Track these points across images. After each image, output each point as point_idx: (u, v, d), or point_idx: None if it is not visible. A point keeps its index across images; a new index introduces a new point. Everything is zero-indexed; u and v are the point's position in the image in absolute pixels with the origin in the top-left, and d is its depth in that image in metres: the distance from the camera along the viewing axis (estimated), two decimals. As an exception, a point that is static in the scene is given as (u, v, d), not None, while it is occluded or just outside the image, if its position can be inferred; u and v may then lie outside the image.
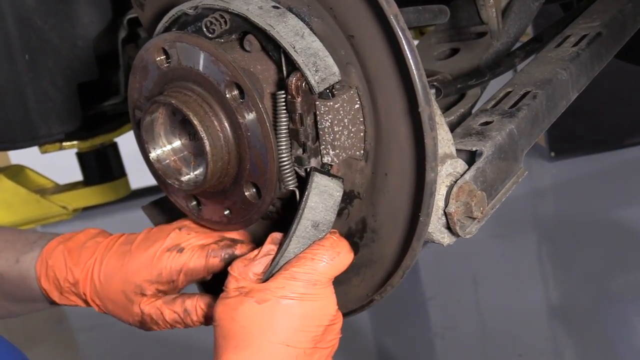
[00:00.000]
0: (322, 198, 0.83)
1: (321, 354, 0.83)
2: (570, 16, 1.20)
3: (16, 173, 1.68)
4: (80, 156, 1.68)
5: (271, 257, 0.85)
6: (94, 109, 1.49)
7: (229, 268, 0.86)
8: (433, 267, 4.15)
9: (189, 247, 0.93)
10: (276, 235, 0.86)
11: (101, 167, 1.67)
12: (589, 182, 4.72)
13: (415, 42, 1.50)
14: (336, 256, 0.83)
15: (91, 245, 0.99)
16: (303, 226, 0.83)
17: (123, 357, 3.75)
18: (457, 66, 1.27)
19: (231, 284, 0.85)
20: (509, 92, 0.99)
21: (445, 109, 1.14)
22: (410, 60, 0.71)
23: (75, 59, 1.35)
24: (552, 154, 5.07)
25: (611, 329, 3.21)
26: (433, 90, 1.01)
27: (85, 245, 1.00)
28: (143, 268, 0.94)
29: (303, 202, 0.81)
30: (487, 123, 0.93)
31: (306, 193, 0.81)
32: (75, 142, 1.63)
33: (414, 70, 0.72)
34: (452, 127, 1.00)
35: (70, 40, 1.34)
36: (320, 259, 0.82)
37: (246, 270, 0.85)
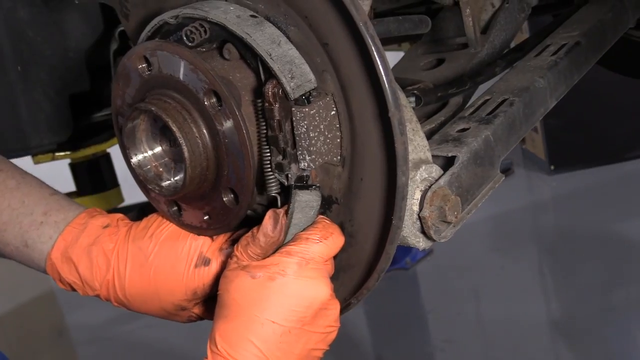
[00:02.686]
0: (304, 212, 0.86)
1: (310, 338, 0.84)
2: (552, 26, 1.22)
3: (10, 183, 1.70)
4: (73, 167, 1.70)
5: (269, 235, 0.85)
6: (86, 119, 1.51)
7: (234, 247, 0.89)
8: (433, 280, 4.16)
9: (213, 256, 0.93)
10: (275, 211, 0.86)
11: (94, 177, 1.69)
12: (588, 195, 4.72)
13: (402, 54, 1.53)
14: (329, 236, 0.85)
15: (99, 254, 0.97)
16: (288, 238, 0.86)
17: (122, 371, 3.76)
18: (442, 76, 1.29)
19: (233, 259, 0.87)
20: (487, 99, 1.01)
21: (427, 117, 1.16)
22: (380, 67, 0.73)
23: (66, 70, 1.37)
24: (552, 167, 5.08)
25: (612, 342, 3.20)
26: (412, 98, 1.03)
27: (92, 251, 0.97)
28: (176, 290, 0.94)
29: (288, 220, 0.84)
30: (464, 130, 0.95)
31: (290, 211, 0.84)
32: (67, 153, 1.65)
33: (383, 76, 0.73)
34: (433, 135, 1.02)
35: (62, 52, 1.37)
36: (314, 238, 0.84)
37: (247, 249, 0.87)
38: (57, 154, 1.62)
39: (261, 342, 0.81)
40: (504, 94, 1.00)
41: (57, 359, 4.32)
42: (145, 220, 0.99)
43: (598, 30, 1.15)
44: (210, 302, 0.95)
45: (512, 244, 4.37)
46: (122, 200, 1.74)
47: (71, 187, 1.76)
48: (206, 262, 0.93)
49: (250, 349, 0.81)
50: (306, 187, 0.84)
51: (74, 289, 1.00)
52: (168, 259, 0.95)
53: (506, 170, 5.41)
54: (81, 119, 1.50)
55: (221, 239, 0.95)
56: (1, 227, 1.01)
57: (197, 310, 0.98)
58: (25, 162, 1.62)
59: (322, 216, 0.87)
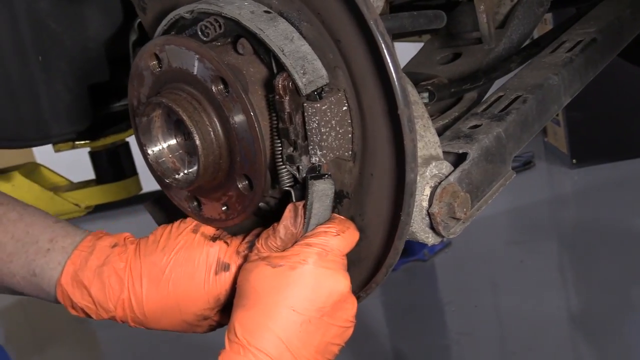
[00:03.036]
0: (322, 201, 0.86)
1: (328, 330, 0.84)
2: (569, 22, 1.21)
3: (31, 171, 1.73)
4: (93, 155, 1.73)
5: (289, 228, 0.87)
6: (105, 109, 1.54)
7: (256, 240, 0.90)
8: (451, 272, 4.15)
9: (232, 261, 0.93)
10: (294, 205, 0.87)
11: (113, 165, 1.72)
12: (610, 190, 4.67)
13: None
14: (346, 230, 0.86)
15: (111, 274, 0.95)
16: (310, 229, 0.87)
17: (142, 354, 3.81)
18: (458, 70, 1.29)
19: (253, 252, 0.88)
20: (501, 96, 1.01)
21: (442, 112, 1.16)
22: (390, 64, 0.74)
23: (86, 60, 1.39)
24: (574, 161, 5.03)
25: (631, 338, 3.17)
26: (426, 94, 1.03)
27: (104, 272, 0.95)
28: (198, 299, 0.94)
29: (308, 212, 0.85)
30: (476, 126, 0.95)
31: (309, 202, 0.85)
32: (86, 142, 1.68)
33: (393, 74, 0.74)
34: (446, 130, 1.03)
35: (82, 42, 1.38)
36: (332, 232, 0.85)
37: (267, 242, 0.88)
38: (76, 142, 1.65)
39: (281, 331, 0.81)
40: (517, 90, 1.00)
41: (79, 342, 4.40)
42: (152, 235, 0.97)
43: (615, 27, 1.14)
44: (230, 306, 0.93)
45: (531, 238, 4.35)
46: (140, 188, 1.77)
47: (90, 174, 1.79)
48: (225, 267, 0.93)
49: (270, 337, 0.81)
50: (320, 176, 0.85)
51: (87, 315, 0.98)
52: (185, 270, 0.94)
53: (527, 163, 5.37)
54: (100, 109, 1.52)
55: (236, 242, 0.95)
56: (6, 259, 0.99)
57: (217, 317, 0.97)
58: (46, 150, 1.65)
59: (335, 215, 0.88)
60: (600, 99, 4.47)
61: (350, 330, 0.87)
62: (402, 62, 1.48)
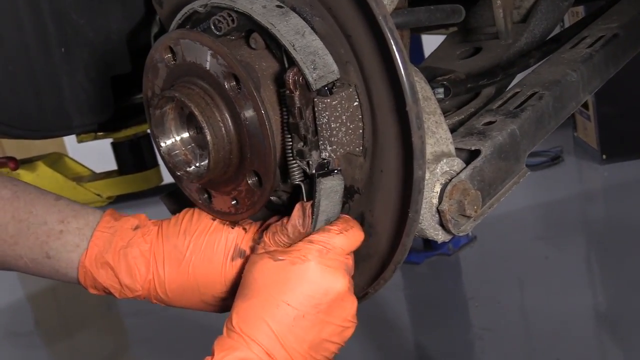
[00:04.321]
0: (330, 198, 0.87)
1: (324, 328, 0.85)
2: (591, 17, 1.19)
3: (55, 161, 1.76)
4: (115, 146, 1.75)
5: (297, 228, 0.88)
6: (127, 101, 1.55)
7: (264, 233, 0.91)
8: (475, 267, 4.12)
9: (248, 247, 0.95)
10: (302, 205, 0.88)
11: (134, 157, 1.73)
12: (640, 187, 4.59)
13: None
14: (349, 229, 0.86)
15: (137, 255, 0.97)
16: (319, 225, 0.88)
17: (168, 341, 3.86)
18: (477, 65, 1.28)
19: (260, 245, 0.90)
20: (517, 92, 0.99)
21: (459, 107, 1.15)
22: (399, 61, 0.73)
23: (108, 52, 1.40)
24: (604, 156, 4.95)
25: (658, 338, 3.12)
26: (441, 89, 1.03)
27: (129, 254, 0.97)
28: (216, 282, 0.96)
29: (315, 209, 0.86)
30: (490, 123, 0.94)
31: (317, 200, 0.85)
32: (108, 133, 1.70)
33: (402, 70, 0.74)
34: (462, 125, 1.02)
35: (105, 34, 1.39)
36: (335, 230, 0.86)
37: (275, 237, 0.89)
38: (98, 133, 1.67)
39: (275, 323, 0.83)
40: (534, 87, 0.98)
41: (107, 329, 4.48)
42: (174, 218, 0.99)
43: (638, 23, 1.11)
44: None
45: (558, 234, 4.29)
46: (161, 179, 1.78)
47: (112, 165, 1.81)
48: (242, 254, 0.95)
49: (264, 329, 0.83)
50: (329, 173, 0.85)
51: (108, 293, 0.99)
52: (205, 253, 0.96)
53: (556, 158, 5.29)
54: (122, 100, 1.54)
55: (253, 229, 0.96)
56: (10, 241, 0.97)
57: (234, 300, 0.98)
58: (69, 140, 1.67)
59: (342, 215, 0.89)
60: (631, 93, 4.39)
61: (351, 330, 0.87)
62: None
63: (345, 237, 0.86)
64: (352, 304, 0.87)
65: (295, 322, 0.83)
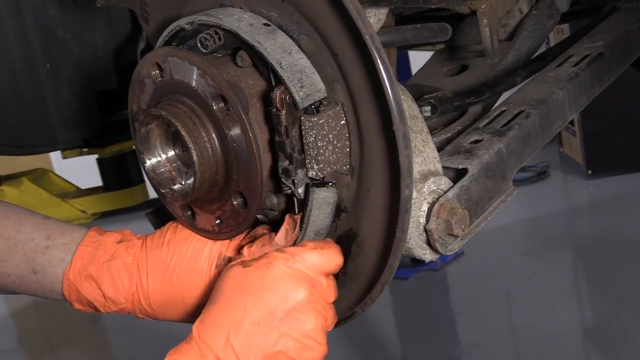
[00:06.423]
0: (322, 209, 0.86)
1: (279, 339, 0.81)
2: (576, 36, 1.20)
3: (39, 177, 1.75)
4: (100, 162, 1.74)
5: (282, 241, 0.87)
6: (112, 117, 1.54)
7: (247, 246, 0.91)
8: (463, 282, 4.12)
9: (233, 255, 0.94)
10: (292, 218, 0.88)
11: (120, 173, 1.72)
12: (626, 202, 4.62)
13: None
14: (325, 248, 0.85)
15: (120, 268, 0.97)
16: (307, 237, 0.87)
17: (153, 357, 3.82)
18: (464, 83, 1.28)
19: (239, 256, 0.90)
20: (503, 110, 0.99)
21: (445, 125, 1.15)
22: (385, 80, 0.73)
23: (94, 68, 1.40)
24: (590, 171, 4.99)
25: (646, 353, 3.13)
26: (428, 107, 1.02)
27: (112, 266, 0.97)
28: (200, 291, 0.95)
29: (306, 218, 0.85)
30: (477, 141, 0.94)
31: (308, 209, 0.84)
32: (93, 149, 1.69)
33: (389, 90, 0.73)
34: (449, 143, 1.01)
35: (90, 50, 1.39)
36: (311, 245, 0.85)
37: (262, 250, 0.88)
38: (83, 149, 1.66)
39: (231, 327, 0.81)
40: (521, 105, 0.99)
41: (91, 345, 4.43)
42: (158, 231, 0.99)
43: (623, 41, 1.12)
44: None
45: (545, 249, 4.30)
46: (147, 196, 1.77)
47: (98, 181, 1.80)
48: (226, 261, 0.94)
49: (219, 333, 0.81)
50: (323, 184, 0.85)
51: (93, 308, 0.99)
52: (189, 262, 0.95)
53: (542, 174, 5.32)
54: (108, 116, 1.53)
55: (239, 237, 0.95)
56: None
57: None
58: (55, 155, 1.66)
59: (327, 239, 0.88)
60: (617, 109, 4.43)
61: (315, 352, 0.83)
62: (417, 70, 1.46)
63: (319, 255, 0.84)
64: (313, 319, 0.82)
65: (250, 328, 0.81)
